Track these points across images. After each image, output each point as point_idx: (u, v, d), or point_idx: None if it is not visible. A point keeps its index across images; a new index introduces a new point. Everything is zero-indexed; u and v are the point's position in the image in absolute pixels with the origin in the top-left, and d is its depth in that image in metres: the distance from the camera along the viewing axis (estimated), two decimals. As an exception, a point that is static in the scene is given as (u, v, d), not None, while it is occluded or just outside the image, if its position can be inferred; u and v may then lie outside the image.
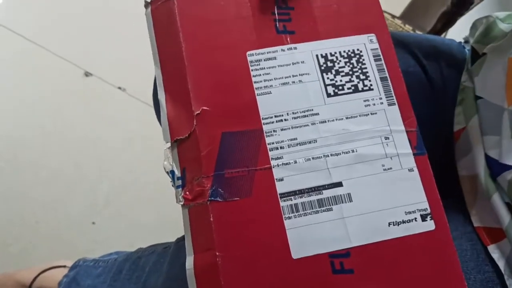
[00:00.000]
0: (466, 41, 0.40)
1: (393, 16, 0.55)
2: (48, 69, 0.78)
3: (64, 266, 0.51)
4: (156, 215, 0.64)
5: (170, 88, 0.27)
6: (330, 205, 0.24)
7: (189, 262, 0.24)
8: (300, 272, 0.22)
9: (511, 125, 0.29)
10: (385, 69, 0.27)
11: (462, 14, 0.52)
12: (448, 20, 0.53)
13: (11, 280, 0.51)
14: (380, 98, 0.26)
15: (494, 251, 0.30)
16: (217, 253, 0.22)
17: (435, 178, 0.37)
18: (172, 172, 0.26)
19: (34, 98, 0.75)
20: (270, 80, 0.26)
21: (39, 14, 0.82)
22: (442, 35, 0.55)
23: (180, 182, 0.26)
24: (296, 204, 0.24)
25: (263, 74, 0.26)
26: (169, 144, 0.27)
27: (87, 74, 0.78)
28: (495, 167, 0.31)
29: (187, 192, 0.25)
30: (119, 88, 0.78)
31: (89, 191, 0.71)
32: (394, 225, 0.24)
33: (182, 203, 0.25)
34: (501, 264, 0.29)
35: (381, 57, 0.27)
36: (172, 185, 0.26)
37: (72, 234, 0.67)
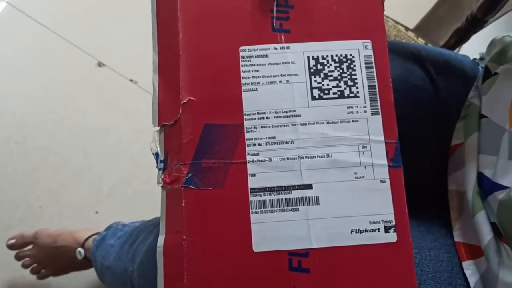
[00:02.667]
0: (481, 58, 0.39)
1: (407, 29, 0.53)
2: (62, 57, 0.79)
3: None
4: (159, 210, 0.64)
5: (164, 74, 0.28)
6: (297, 206, 0.25)
7: (160, 240, 0.26)
8: (259, 265, 0.24)
9: (509, 146, 0.29)
10: (375, 78, 0.27)
11: (476, 31, 0.50)
12: (462, 36, 0.51)
13: (70, 237, 0.60)
14: (365, 106, 0.26)
15: (468, 268, 0.30)
16: (184, 237, 0.24)
17: (430, 188, 0.37)
18: (157, 154, 0.28)
19: (48, 84, 0.77)
20: (258, 77, 0.27)
21: (57, 2, 0.83)
22: (455, 50, 0.53)
23: (162, 165, 0.27)
24: (264, 200, 0.25)
25: (252, 71, 0.27)
26: (157, 128, 0.28)
27: (100, 64, 0.79)
28: (487, 186, 0.30)
29: (167, 176, 0.26)
30: (131, 80, 0.79)
31: (95, 180, 0.72)
32: (356, 232, 0.24)
33: (161, 185, 0.27)
34: (472, 280, 0.29)
35: (373, 64, 0.27)
36: (156, 167, 0.28)
37: (75, 221, 0.68)
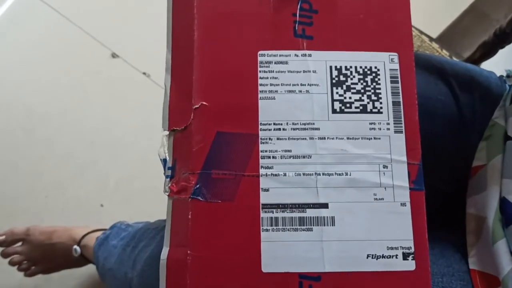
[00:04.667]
0: (508, 76, 0.38)
1: (431, 39, 0.52)
2: (76, 46, 0.78)
3: None
4: (165, 208, 0.62)
5: (177, 75, 0.27)
6: (311, 225, 0.23)
7: (164, 253, 0.24)
8: (267, 287, 0.22)
9: None
10: (400, 93, 0.25)
11: (504, 46, 0.48)
12: (488, 50, 0.49)
13: (66, 234, 0.58)
14: (388, 123, 0.25)
15: None
16: (188, 252, 0.23)
17: (447, 210, 0.36)
18: (165, 160, 0.26)
19: (60, 72, 0.76)
20: (276, 85, 0.25)
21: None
22: (480, 65, 0.51)
23: (170, 172, 0.26)
24: (276, 218, 0.23)
25: (270, 78, 0.25)
26: (167, 132, 0.27)
27: (113, 55, 0.77)
28: (511, 213, 0.29)
29: (174, 184, 0.25)
30: (144, 73, 0.77)
31: (101, 174, 0.70)
32: (372, 258, 0.23)
33: (167, 193, 0.25)
34: None
35: (399, 79, 0.26)
36: (164, 173, 0.27)
37: (79, 213, 0.67)
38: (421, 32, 0.51)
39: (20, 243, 0.60)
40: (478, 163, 0.34)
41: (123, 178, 0.71)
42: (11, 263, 0.59)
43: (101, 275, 0.49)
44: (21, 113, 0.72)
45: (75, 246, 0.56)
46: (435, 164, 0.35)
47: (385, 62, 0.26)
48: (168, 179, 0.25)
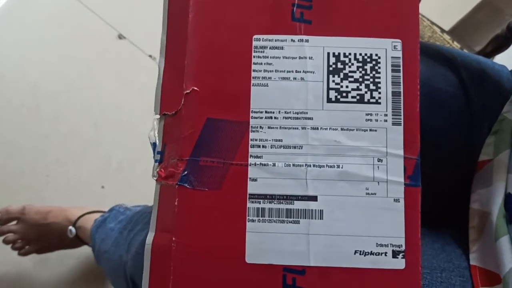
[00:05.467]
0: None
1: (442, 31, 0.49)
2: (83, 25, 0.77)
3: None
4: None
5: (170, 58, 0.26)
6: (298, 218, 0.22)
7: (150, 237, 0.24)
8: (250, 278, 0.22)
9: None
10: (401, 83, 0.24)
11: None
12: (500, 44, 0.46)
13: (62, 214, 0.58)
14: (386, 115, 0.24)
15: None
16: (173, 238, 0.22)
17: (450, 204, 0.34)
18: (154, 144, 0.26)
19: (66, 52, 0.75)
20: (270, 71, 0.24)
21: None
22: (492, 59, 0.49)
23: (159, 157, 0.25)
24: (263, 208, 0.23)
25: (264, 64, 0.24)
26: (158, 116, 0.26)
27: (120, 36, 0.77)
28: None
29: (162, 169, 0.24)
30: (150, 56, 0.76)
31: (104, 155, 0.70)
32: (360, 254, 0.22)
33: (155, 178, 0.25)
34: None
35: (401, 68, 0.24)
36: (153, 157, 0.26)
37: (80, 194, 0.67)
38: (433, 23, 0.49)
39: (15, 222, 0.59)
40: (484, 158, 0.32)
41: (125, 160, 0.71)
42: (5, 242, 0.59)
43: (97, 258, 0.50)
44: (26, 91, 0.73)
45: (70, 227, 0.55)
46: (440, 157, 0.33)
47: (387, 49, 0.24)
48: (157, 163, 0.25)
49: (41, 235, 0.58)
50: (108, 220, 0.50)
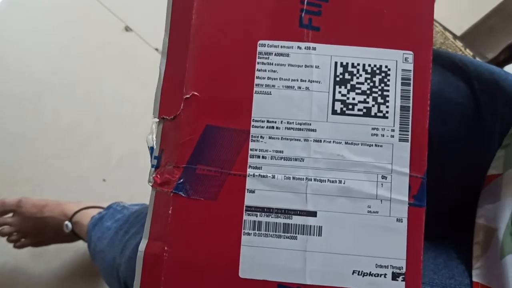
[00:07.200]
0: None
1: (455, 37, 0.48)
2: (89, 16, 0.76)
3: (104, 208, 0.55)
4: None
5: (172, 60, 0.25)
6: (295, 233, 0.22)
7: (142, 244, 0.23)
8: (242, 293, 0.21)
9: None
10: (411, 98, 0.23)
11: None
12: None
13: (58, 208, 0.57)
14: (393, 130, 0.23)
15: None
16: (165, 248, 0.22)
17: (454, 218, 0.33)
18: (152, 149, 0.25)
19: (70, 43, 0.74)
20: (274, 79, 0.23)
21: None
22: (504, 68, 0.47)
23: (155, 162, 0.24)
24: (260, 222, 0.22)
25: (268, 71, 0.23)
26: (157, 119, 0.26)
27: (127, 28, 0.75)
28: None
29: (158, 175, 0.24)
30: (156, 49, 0.75)
31: (105, 149, 0.69)
32: (358, 274, 0.21)
33: (151, 184, 0.24)
34: None
35: (411, 82, 0.23)
36: (150, 161, 0.26)
37: (81, 186, 0.67)
38: (445, 29, 0.47)
39: (11, 214, 0.59)
40: (493, 172, 0.31)
41: (127, 154, 0.70)
42: (1, 234, 0.58)
43: (92, 255, 0.49)
44: (28, 82, 0.72)
45: (67, 222, 0.55)
46: (447, 169, 0.32)
47: (397, 61, 0.23)
48: (153, 169, 0.24)
49: (37, 229, 0.58)
50: (105, 218, 0.49)
